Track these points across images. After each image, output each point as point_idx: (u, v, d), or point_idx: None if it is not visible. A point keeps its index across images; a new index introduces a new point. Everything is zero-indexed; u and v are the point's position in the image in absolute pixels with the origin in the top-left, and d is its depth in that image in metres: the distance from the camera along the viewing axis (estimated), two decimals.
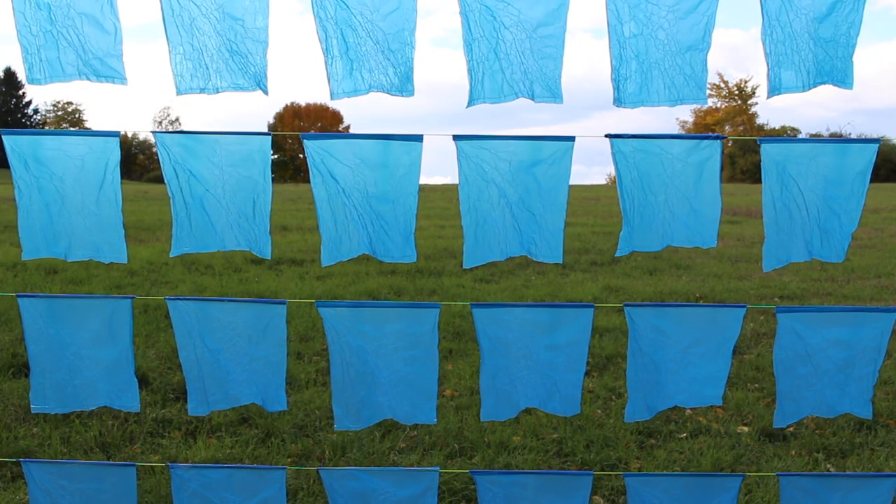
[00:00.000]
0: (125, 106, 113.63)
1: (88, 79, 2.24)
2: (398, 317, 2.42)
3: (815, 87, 2.24)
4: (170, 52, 2.21)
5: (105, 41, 2.22)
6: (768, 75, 2.24)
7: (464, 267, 2.27)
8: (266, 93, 2.23)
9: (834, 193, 2.29)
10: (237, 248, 2.33)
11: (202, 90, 2.23)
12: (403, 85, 2.24)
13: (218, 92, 2.23)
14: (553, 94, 2.24)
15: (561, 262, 2.21)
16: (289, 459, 4.13)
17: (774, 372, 2.43)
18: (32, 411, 2.50)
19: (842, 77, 2.24)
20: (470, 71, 2.22)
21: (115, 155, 2.34)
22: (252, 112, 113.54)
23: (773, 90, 2.24)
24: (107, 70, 2.24)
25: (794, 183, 2.28)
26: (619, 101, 2.24)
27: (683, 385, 2.39)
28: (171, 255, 2.33)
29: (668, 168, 2.28)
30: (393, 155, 2.28)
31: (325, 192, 2.29)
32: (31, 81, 2.23)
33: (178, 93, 2.22)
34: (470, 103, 2.24)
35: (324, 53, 2.21)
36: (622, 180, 2.29)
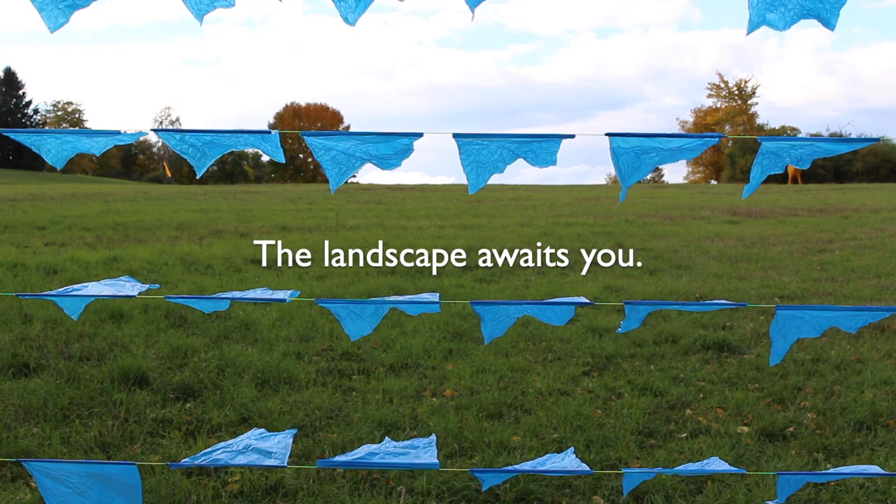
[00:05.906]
0: (125, 106, 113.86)
1: None
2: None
3: (795, 22, 2.20)
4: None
5: None
6: (750, 19, 2.19)
7: (469, 192, 2.47)
8: None
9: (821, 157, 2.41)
10: (248, 148, 2.49)
11: (220, 5, 2.33)
12: None
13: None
14: None
15: (555, 164, 2.40)
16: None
17: (770, 333, 2.51)
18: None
19: (827, 17, 2.20)
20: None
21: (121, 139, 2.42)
22: (251, 113, 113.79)
23: (753, 27, 2.18)
24: None
25: (787, 155, 2.39)
26: None
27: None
28: (197, 178, 2.46)
29: (665, 157, 2.43)
30: (392, 137, 2.48)
31: (329, 155, 2.48)
32: (55, 28, 2.27)
33: (199, 17, 2.30)
34: (472, 10, 2.31)
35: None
36: (619, 161, 2.43)
